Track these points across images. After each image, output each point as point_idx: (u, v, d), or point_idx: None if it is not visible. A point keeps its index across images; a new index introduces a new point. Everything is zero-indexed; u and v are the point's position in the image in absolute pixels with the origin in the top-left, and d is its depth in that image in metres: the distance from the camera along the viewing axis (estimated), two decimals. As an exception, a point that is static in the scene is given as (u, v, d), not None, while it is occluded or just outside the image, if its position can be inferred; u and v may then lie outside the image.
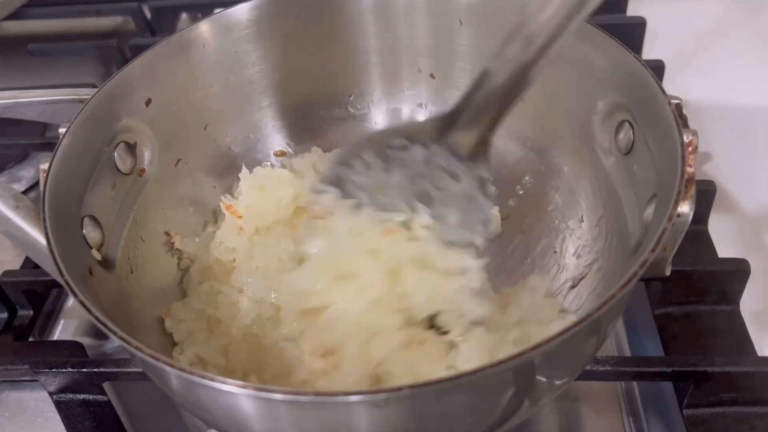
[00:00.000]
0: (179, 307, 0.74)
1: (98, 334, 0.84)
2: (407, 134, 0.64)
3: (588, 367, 0.65)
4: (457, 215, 0.64)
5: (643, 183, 0.65)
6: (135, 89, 0.75)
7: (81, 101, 0.70)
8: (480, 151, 0.63)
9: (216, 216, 0.84)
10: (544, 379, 0.54)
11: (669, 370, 0.66)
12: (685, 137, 0.56)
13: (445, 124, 0.64)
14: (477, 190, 0.64)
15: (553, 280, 0.76)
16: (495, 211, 0.71)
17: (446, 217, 0.64)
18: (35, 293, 0.84)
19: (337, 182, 0.67)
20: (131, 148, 0.75)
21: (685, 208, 0.55)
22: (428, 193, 0.65)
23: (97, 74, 1.23)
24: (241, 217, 0.78)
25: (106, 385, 0.72)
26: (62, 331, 0.86)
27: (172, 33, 0.79)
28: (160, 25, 1.28)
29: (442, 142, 0.63)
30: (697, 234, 0.81)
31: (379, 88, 0.92)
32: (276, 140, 0.91)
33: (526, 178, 0.84)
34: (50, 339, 0.85)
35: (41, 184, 0.61)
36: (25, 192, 1.02)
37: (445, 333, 0.63)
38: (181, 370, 0.47)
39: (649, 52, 1.11)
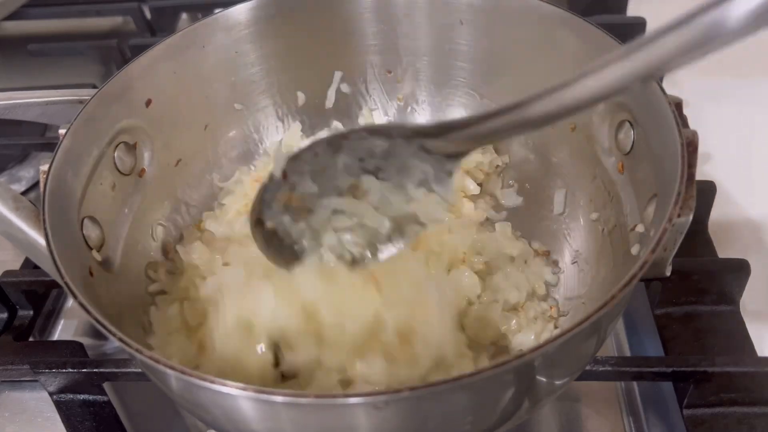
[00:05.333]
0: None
1: (98, 335, 0.84)
2: (371, 129, 0.58)
3: (588, 368, 0.65)
4: (411, 183, 0.59)
5: (643, 183, 0.65)
6: (135, 89, 0.75)
7: (81, 102, 0.70)
8: (456, 155, 0.56)
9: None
10: (544, 380, 0.54)
11: (669, 370, 0.66)
12: (685, 137, 0.56)
13: (423, 132, 0.56)
14: (440, 173, 0.57)
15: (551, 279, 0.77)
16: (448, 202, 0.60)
17: (400, 182, 0.59)
18: (35, 293, 0.84)
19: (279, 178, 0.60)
20: (131, 149, 0.75)
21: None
22: (379, 167, 0.59)
23: (97, 74, 1.23)
24: None
25: (106, 386, 0.72)
26: (62, 331, 0.86)
27: (172, 33, 0.79)
28: (160, 25, 1.28)
29: (411, 140, 0.56)
30: (697, 234, 0.81)
31: (379, 88, 0.92)
32: (276, 140, 0.91)
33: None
34: (50, 339, 0.85)
35: (41, 184, 0.61)
36: (25, 192, 1.02)
37: None
38: (182, 372, 0.47)
39: (649, 52, 1.11)
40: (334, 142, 0.58)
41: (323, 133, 0.85)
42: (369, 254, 0.61)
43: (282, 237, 0.62)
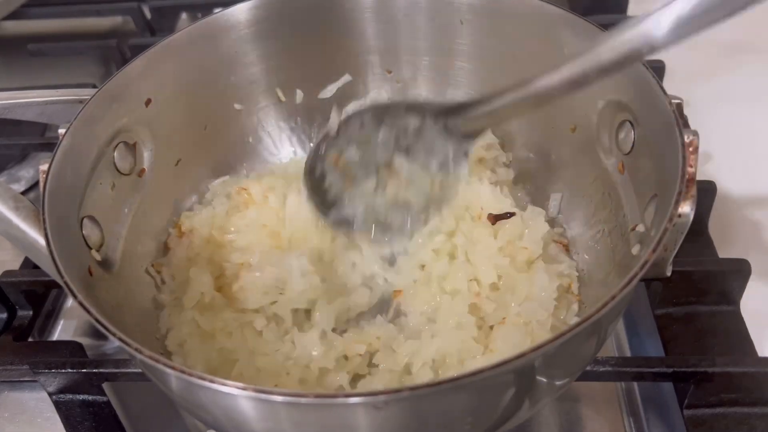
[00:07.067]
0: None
1: (98, 335, 0.84)
2: (408, 105, 0.70)
3: (588, 368, 0.65)
4: (435, 163, 0.71)
5: (644, 183, 0.65)
6: (135, 89, 0.75)
7: (81, 101, 0.70)
8: (472, 134, 0.69)
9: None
10: (544, 380, 0.54)
11: (669, 370, 0.66)
12: (685, 137, 0.56)
13: (448, 110, 0.68)
14: (459, 153, 0.69)
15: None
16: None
17: (426, 163, 0.71)
18: (35, 293, 0.84)
19: (334, 135, 0.73)
20: (131, 149, 0.75)
21: (686, 208, 0.55)
22: (409, 147, 0.71)
23: (97, 74, 1.23)
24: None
25: (105, 386, 0.72)
26: (62, 331, 0.86)
27: (172, 33, 0.79)
28: (160, 25, 1.28)
29: (438, 119, 0.68)
30: (697, 234, 0.81)
31: (378, 87, 0.92)
32: (276, 140, 0.91)
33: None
34: (50, 339, 0.85)
35: (41, 184, 0.61)
36: (24, 192, 1.02)
37: None
38: (181, 371, 0.47)
39: (649, 52, 1.11)
40: (378, 115, 0.71)
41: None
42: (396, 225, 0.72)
43: (326, 188, 0.73)
